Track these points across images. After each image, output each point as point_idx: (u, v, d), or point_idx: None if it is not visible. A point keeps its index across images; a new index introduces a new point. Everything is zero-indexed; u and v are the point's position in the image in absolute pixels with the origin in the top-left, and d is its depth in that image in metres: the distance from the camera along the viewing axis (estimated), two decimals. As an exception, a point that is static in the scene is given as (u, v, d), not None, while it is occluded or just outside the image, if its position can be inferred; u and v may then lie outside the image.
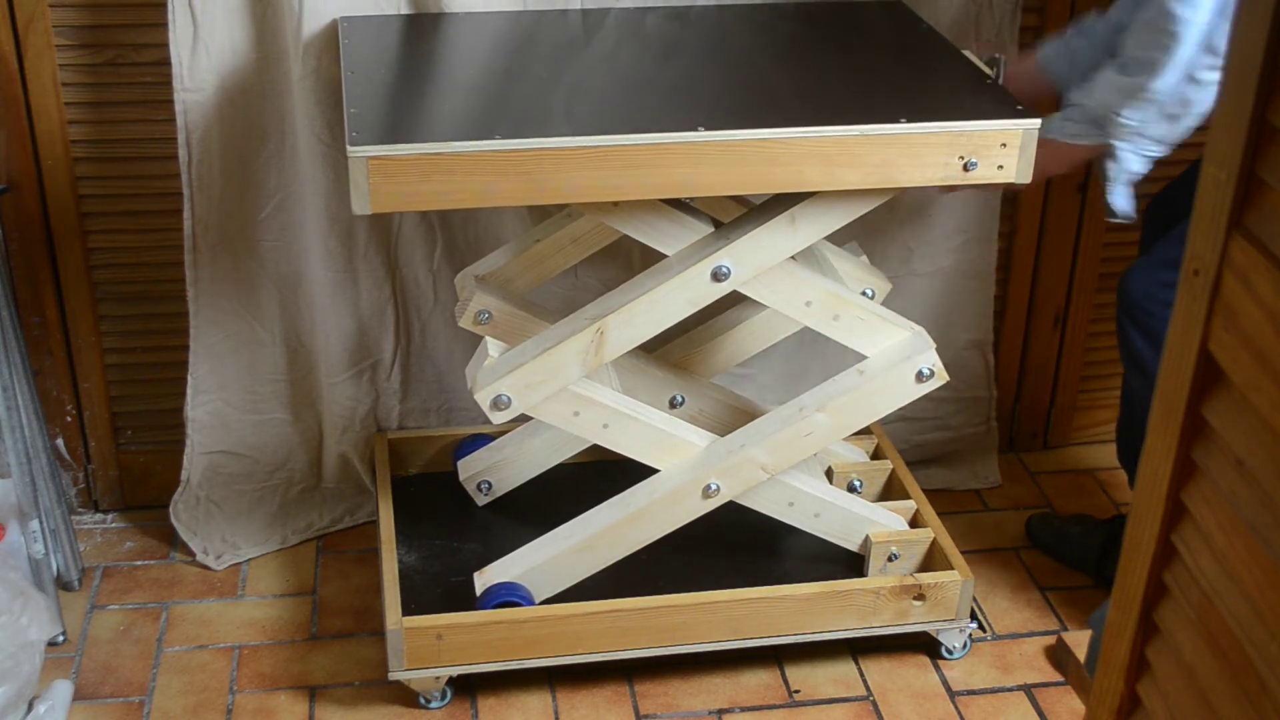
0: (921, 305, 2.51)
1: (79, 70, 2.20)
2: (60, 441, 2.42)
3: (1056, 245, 2.56)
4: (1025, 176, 1.86)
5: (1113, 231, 2.57)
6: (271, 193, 2.28)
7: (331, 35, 2.14)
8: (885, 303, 2.32)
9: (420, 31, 2.15)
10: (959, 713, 2.14)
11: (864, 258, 2.35)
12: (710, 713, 2.12)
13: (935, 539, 2.18)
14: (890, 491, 2.37)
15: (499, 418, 1.96)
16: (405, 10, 2.19)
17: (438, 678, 2.08)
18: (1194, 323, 1.03)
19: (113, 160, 2.27)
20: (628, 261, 2.37)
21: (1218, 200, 0.99)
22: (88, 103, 2.22)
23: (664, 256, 1.97)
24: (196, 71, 2.17)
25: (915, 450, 2.63)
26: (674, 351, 2.29)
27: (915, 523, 2.25)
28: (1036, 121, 1.83)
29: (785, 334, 2.31)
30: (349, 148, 1.72)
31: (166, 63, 2.16)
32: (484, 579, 2.08)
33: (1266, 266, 0.93)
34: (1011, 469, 2.71)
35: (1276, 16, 0.91)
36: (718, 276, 1.92)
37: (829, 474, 2.34)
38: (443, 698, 2.11)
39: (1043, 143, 1.88)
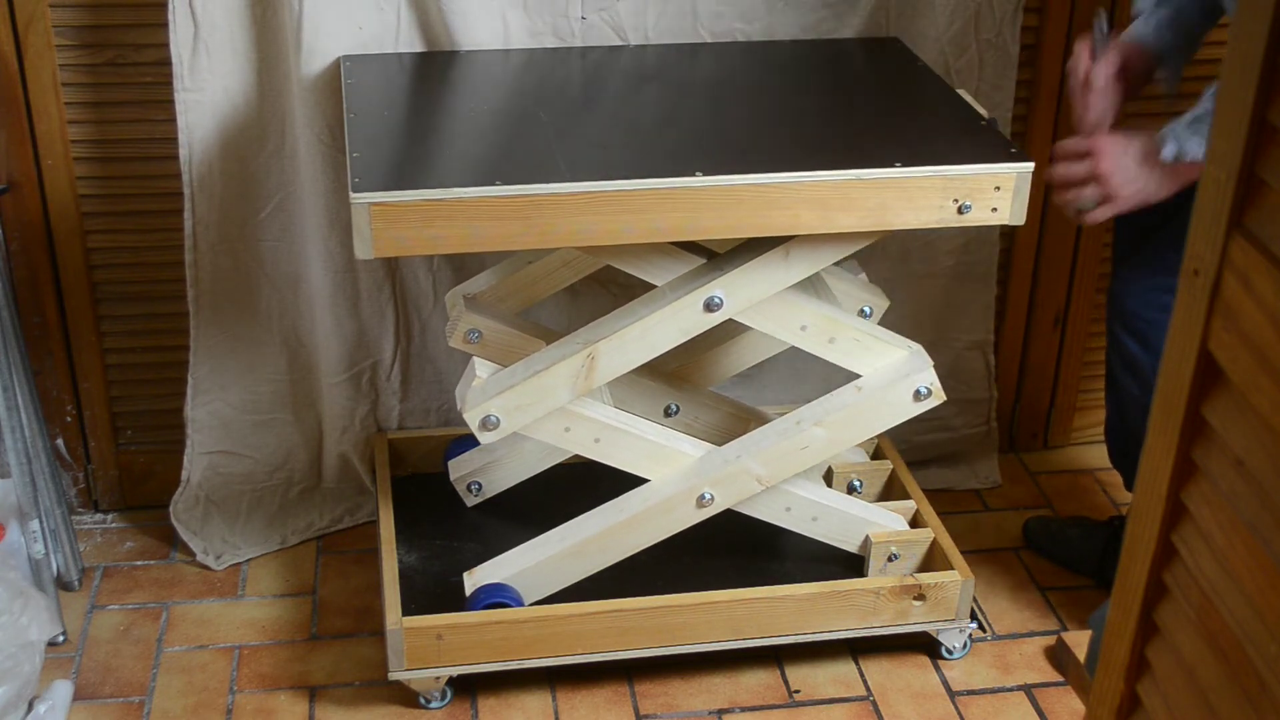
0: (921, 306, 2.51)
1: (79, 70, 2.20)
2: (60, 441, 2.42)
3: (1056, 245, 2.56)
4: (1019, 219, 1.89)
5: (1113, 232, 2.57)
6: (271, 193, 2.28)
7: (331, 39, 2.14)
8: (887, 308, 2.32)
9: (421, 71, 2.16)
10: (959, 713, 2.14)
11: (862, 275, 2.36)
12: (710, 713, 2.13)
13: (935, 539, 2.18)
14: (890, 491, 2.37)
15: (487, 438, 1.98)
16: (405, 47, 2.20)
17: (438, 678, 2.08)
18: (1194, 323, 1.02)
19: (113, 160, 2.27)
20: (624, 282, 2.37)
21: (1218, 200, 0.99)
22: (88, 103, 2.22)
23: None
24: (196, 71, 2.17)
25: (915, 450, 2.63)
26: (669, 361, 2.29)
27: (915, 523, 2.25)
28: (1030, 164, 1.85)
29: (782, 347, 2.32)
30: (351, 194, 1.75)
31: (166, 63, 2.16)
32: (474, 579, 2.09)
33: (1266, 266, 0.93)
34: (1011, 469, 2.71)
35: (1276, 16, 0.91)
36: (710, 307, 1.93)
37: (829, 474, 2.34)
38: (443, 698, 2.11)
39: (1169, 166, 1.85)
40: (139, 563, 2.41)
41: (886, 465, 2.38)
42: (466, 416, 1.96)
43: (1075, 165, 1.93)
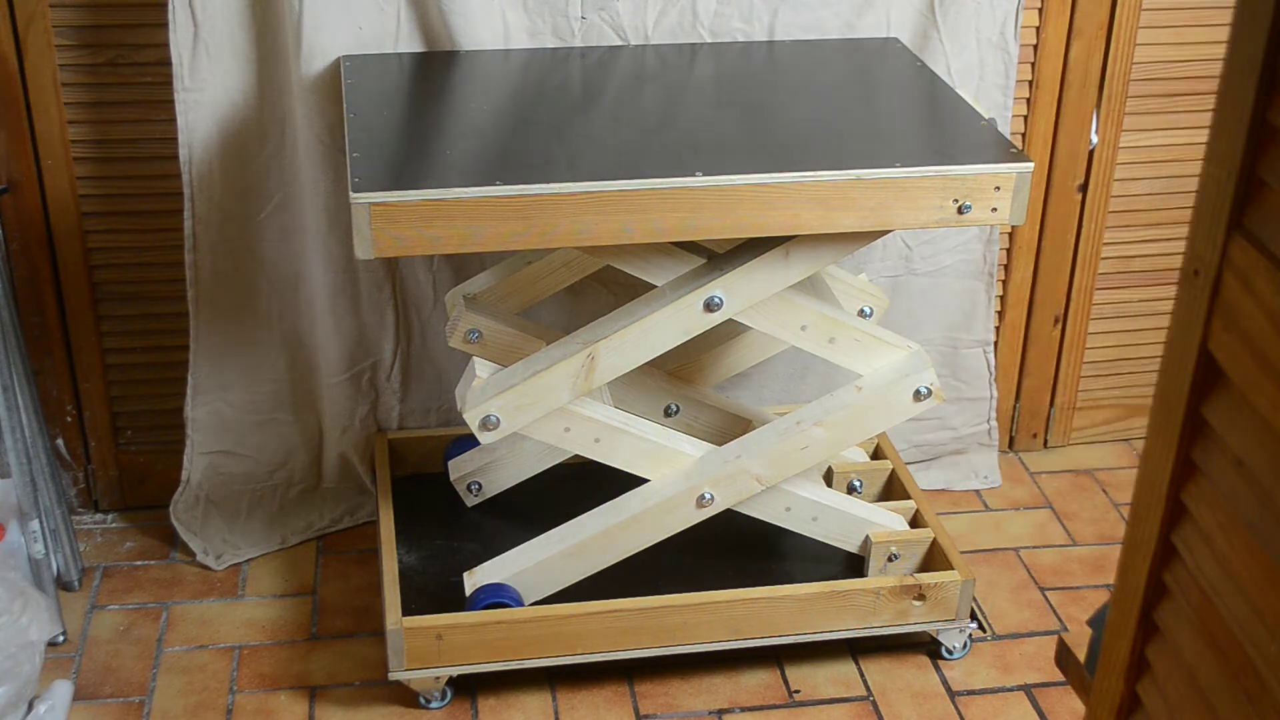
0: (922, 305, 2.51)
1: (79, 70, 2.20)
2: (60, 441, 2.42)
3: (1056, 245, 2.56)
4: (1019, 219, 1.90)
5: (1113, 230, 2.58)
6: (271, 193, 2.28)
7: (331, 39, 2.14)
8: (887, 308, 2.32)
9: (421, 71, 2.16)
10: (959, 713, 2.14)
11: (863, 275, 2.36)
12: (710, 713, 2.12)
13: (935, 539, 2.18)
14: (890, 491, 2.37)
15: (488, 438, 1.98)
16: (405, 46, 2.19)
17: (438, 678, 2.08)
18: (1194, 323, 1.02)
19: (113, 160, 2.27)
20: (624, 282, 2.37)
21: (1218, 200, 0.99)
22: (88, 103, 2.22)
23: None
24: (196, 71, 2.17)
25: (915, 450, 2.63)
26: (670, 360, 2.29)
27: (915, 523, 2.25)
28: (1030, 164, 1.86)
29: (782, 347, 2.32)
30: (351, 194, 1.75)
31: (166, 63, 2.16)
32: (474, 580, 2.09)
33: (1266, 266, 0.93)
34: (1011, 469, 2.71)
35: (1276, 16, 0.91)
36: (710, 307, 1.93)
37: (829, 474, 2.34)
38: (443, 698, 2.11)
39: None
40: (139, 563, 2.41)
41: (886, 465, 2.38)
42: (466, 416, 1.97)
43: None
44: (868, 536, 2.16)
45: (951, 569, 2.15)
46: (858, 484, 2.35)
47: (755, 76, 2.19)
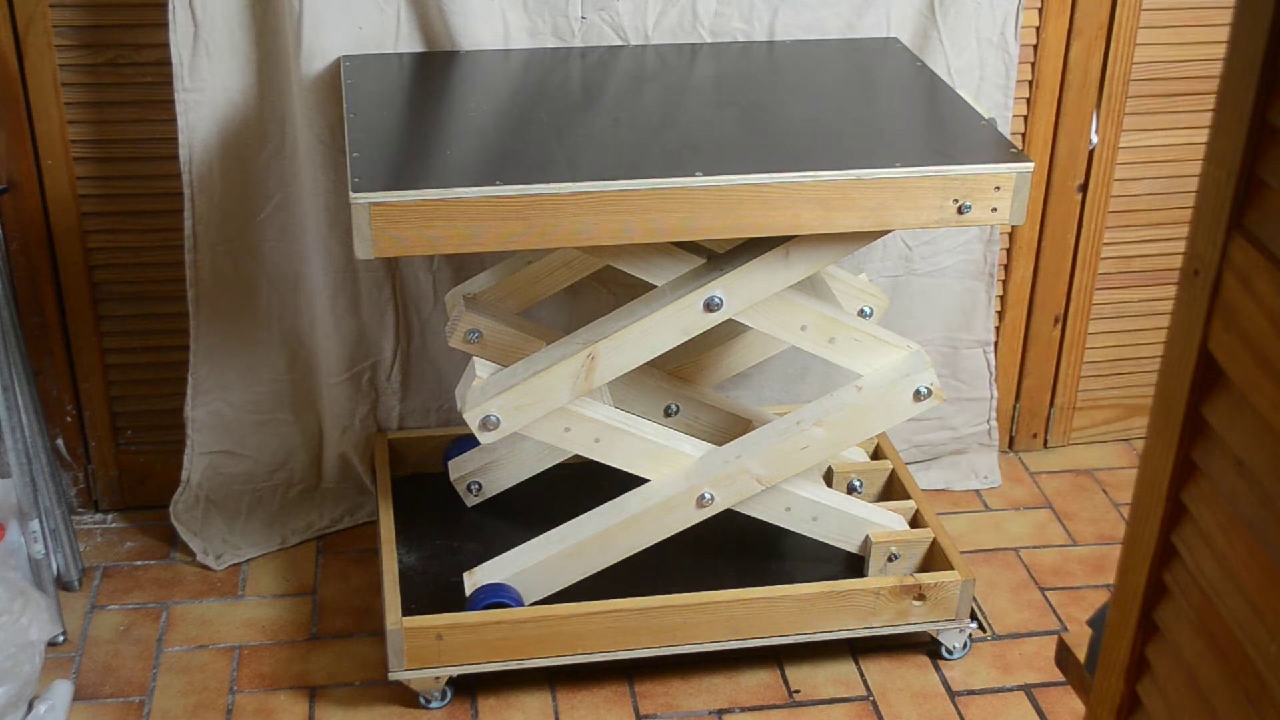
0: (922, 305, 2.51)
1: (79, 70, 2.20)
2: (60, 441, 2.42)
3: (1056, 245, 2.56)
4: (1019, 219, 1.90)
5: (1113, 230, 2.58)
6: (271, 193, 2.28)
7: (331, 39, 2.14)
8: (887, 308, 2.32)
9: (421, 71, 2.16)
10: (959, 713, 2.14)
11: (863, 275, 2.36)
12: (710, 713, 2.13)
13: (935, 539, 2.18)
14: (890, 491, 2.37)
15: (488, 438, 1.98)
16: (405, 46, 2.19)
17: (438, 678, 2.08)
18: (1194, 323, 1.02)
19: (113, 160, 2.27)
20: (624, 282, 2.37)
21: (1218, 200, 0.99)
22: (88, 103, 2.22)
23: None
24: (196, 71, 2.17)
25: (915, 450, 2.63)
26: (670, 360, 2.29)
27: (915, 523, 2.25)
28: (1030, 164, 1.86)
29: (782, 347, 2.32)
30: (351, 194, 1.75)
31: (166, 63, 2.16)
32: (474, 580, 2.09)
33: (1266, 266, 0.93)
34: (1011, 469, 2.71)
35: (1276, 16, 0.91)
36: (710, 307, 1.93)
37: (829, 474, 2.34)
38: (443, 698, 2.11)
39: None
40: (139, 563, 2.41)
41: (886, 465, 2.38)
42: (466, 416, 1.97)
43: None
44: (868, 536, 2.16)
45: (951, 569, 2.15)
46: (858, 484, 2.35)
47: (755, 76, 2.19)
